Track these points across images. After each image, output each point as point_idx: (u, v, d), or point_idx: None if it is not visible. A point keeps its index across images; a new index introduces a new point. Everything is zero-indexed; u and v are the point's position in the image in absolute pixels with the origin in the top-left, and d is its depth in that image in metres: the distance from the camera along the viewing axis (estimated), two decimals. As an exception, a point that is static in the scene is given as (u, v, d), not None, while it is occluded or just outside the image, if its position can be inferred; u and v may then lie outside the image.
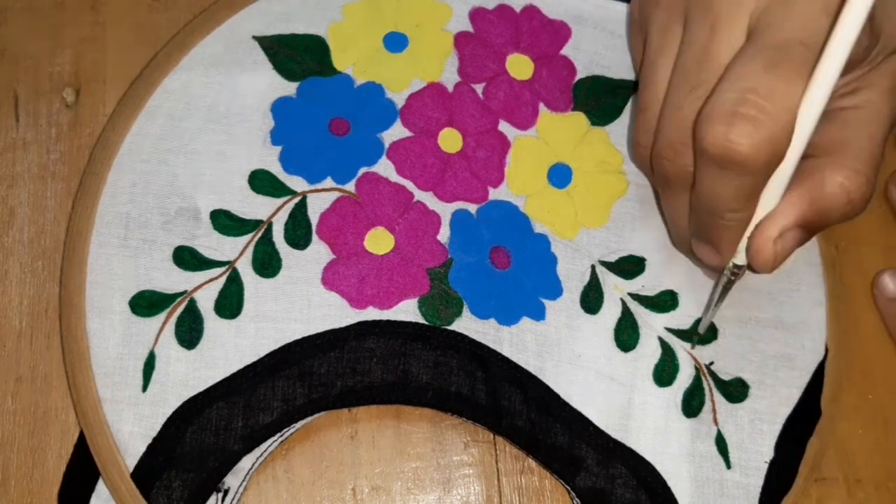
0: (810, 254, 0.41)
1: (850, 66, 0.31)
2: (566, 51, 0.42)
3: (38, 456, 0.37)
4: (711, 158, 0.31)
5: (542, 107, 0.41)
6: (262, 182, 0.38)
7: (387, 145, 0.39)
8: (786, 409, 0.38)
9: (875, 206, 0.43)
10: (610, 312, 0.39)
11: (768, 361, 0.39)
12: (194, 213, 0.38)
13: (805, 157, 0.32)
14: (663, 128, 0.34)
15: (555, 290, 0.39)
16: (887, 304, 0.41)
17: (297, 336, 0.37)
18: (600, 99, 0.42)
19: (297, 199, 0.38)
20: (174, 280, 0.37)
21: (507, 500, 0.37)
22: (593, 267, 0.39)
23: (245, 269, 0.37)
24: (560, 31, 0.42)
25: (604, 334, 0.38)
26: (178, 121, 0.39)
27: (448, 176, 0.39)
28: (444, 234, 0.38)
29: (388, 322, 0.37)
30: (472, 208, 0.39)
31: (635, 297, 0.39)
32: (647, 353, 0.38)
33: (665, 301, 0.39)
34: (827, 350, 0.40)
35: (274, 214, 0.38)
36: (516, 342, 0.37)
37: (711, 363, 0.39)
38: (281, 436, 0.36)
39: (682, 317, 0.39)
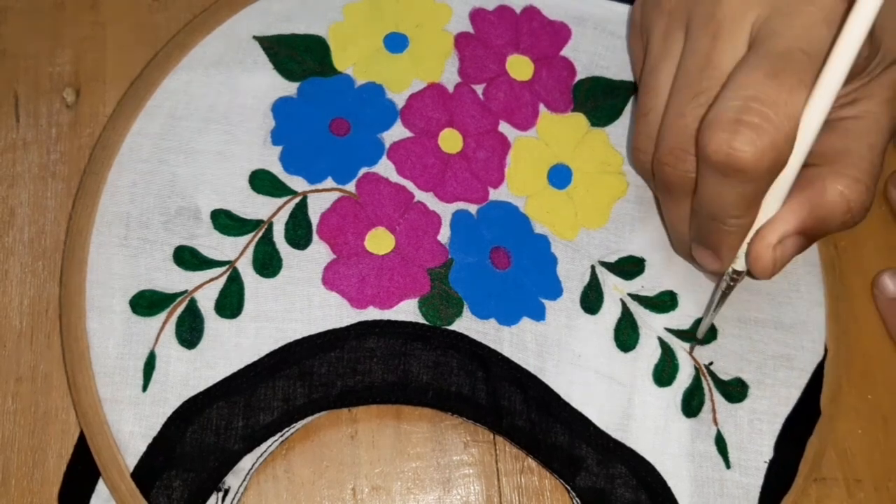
0: (810, 254, 0.41)
1: (850, 77, 0.31)
2: (566, 52, 0.42)
3: (38, 456, 0.37)
4: (714, 165, 0.31)
5: (542, 107, 0.41)
6: (262, 182, 0.38)
7: (387, 146, 0.39)
8: (785, 409, 0.38)
9: (875, 207, 0.43)
10: (610, 313, 0.39)
11: (768, 361, 0.39)
12: (195, 213, 0.38)
13: (806, 165, 0.32)
14: (665, 134, 0.34)
15: (555, 291, 0.39)
16: (887, 305, 0.41)
17: (298, 336, 0.37)
18: (600, 100, 0.42)
19: (297, 199, 0.38)
20: (174, 280, 0.37)
21: (507, 500, 0.37)
22: (593, 267, 0.39)
23: (245, 268, 0.37)
24: (560, 32, 0.42)
25: (604, 334, 0.38)
26: (179, 120, 0.39)
27: (448, 176, 0.39)
28: (444, 235, 0.38)
29: (389, 322, 0.37)
30: (473, 209, 0.39)
31: (635, 297, 0.39)
32: (647, 353, 0.38)
33: (665, 301, 0.39)
34: (826, 350, 0.40)
35: (274, 214, 0.38)
36: (516, 342, 0.37)
37: (711, 363, 0.39)
38: (281, 436, 0.36)
39: (681, 317, 0.39)
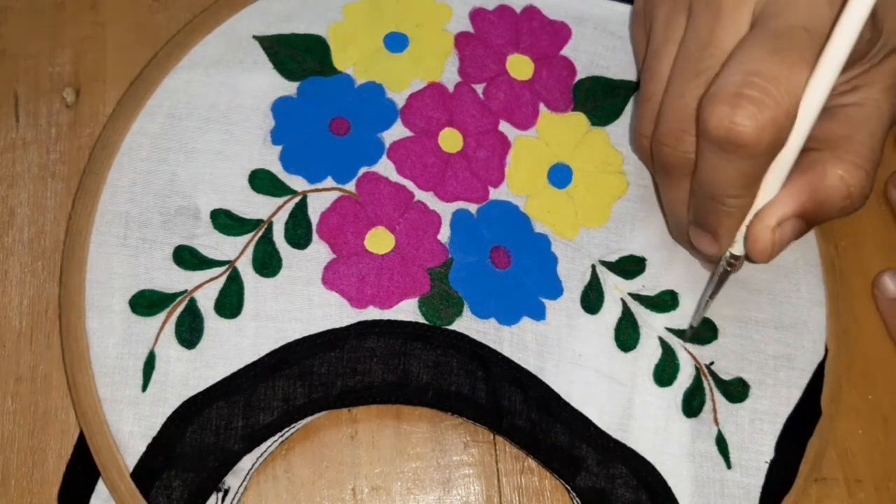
0: (810, 254, 0.41)
1: (852, 61, 0.31)
2: (566, 51, 0.42)
3: (38, 456, 0.36)
4: (715, 140, 0.31)
5: (542, 107, 0.41)
6: (262, 181, 0.38)
7: (387, 145, 0.39)
8: (786, 409, 0.38)
9: (875, 206, 0.43)
10: (610, 312, 0.39)
11: (768, 361, 0.39)
12: (194, 213, 0.38)
13: (807, 150, 0.32)
14: (665, 114, 0.34)
15: (555, 290, 0.39)
16: (888, 305, 0.41)
17: (298, 336, 0.36)
18: (600, 99, 0.42)
19: (297, 199, 0.38)
20: (174, 279, 0.37)
21: (507, 500, 0.37)
22: (593, 267, 0.39)
23: (245, 268, 0.37)
24: (560, 32, 0.42)
25: (604, 334, 0.38)
26: (179, 120, 0.39)
27: (448, 176, 0.39)
28: (444, 234, 0.38)
29: (389, 322, 0.37)
30: (473, 208, 0.39)
31: (635, 297, 0.39)
32: (648, 352, 0.38)
33: (665, 301, 0.39)
34: (827, 350, 0.40)
35: (274, 214, 0.38)
36: (517, 342, 0.37)
37: (712, 363, 0.39)
38: (281, 436, 0.36)
39: (682, 317, 0.39)
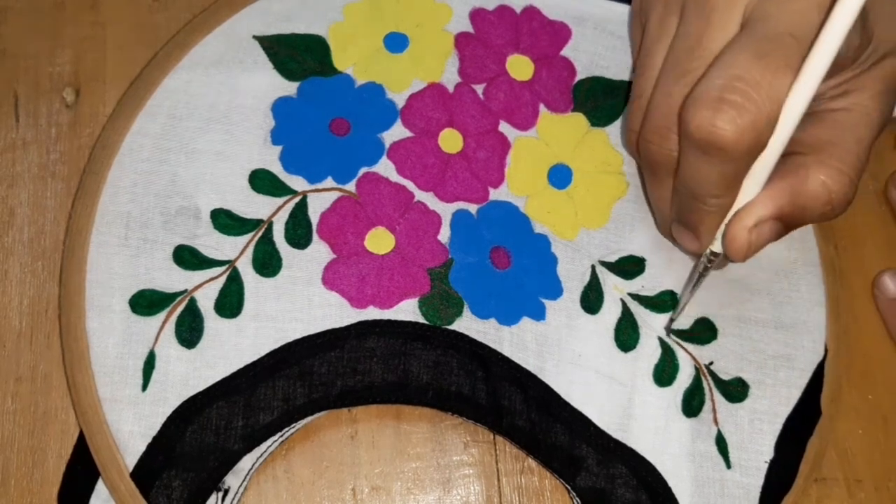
0: (810, 254, 0.41)
1: (841, 66, 0.31)
2: (566, 52, 0.42)
3: (38, 456, 0.36)
4: (696, 142, 0.31)
5: (542, 108, 0.41)
6: (262, 181, 0.38)
7: (387, 145, 0.39)
8: (786, 409, 0.38)
9: (875, 206, 0.43)
10: (610, 312, 0.39)
11: (768, 361, 0.39)
12: (195, 213, 0.38)
13: (792, 153, 0.33)
14: (651, 113, 0.35)
15: (555, 290, 0.39)
16: (888, 305, 0.41)
17: (298, 335, 0.36)
18: (600, 100, 0.42)
19: (297, 199, 0.38)
20: (174, 279, 0.37)
21: (507, 500, 0.37)
22: (593, 267, 0.39)
23: (245, 268, 0.37)
24: (560, 32, 0.43)
25: (604, 334, 0.38)
26: (179, 120, 0.39)
27: (448, 176, 0.39)
28: (444, 234, 0.38)
29: (389, 322, 0.37)
30: (473, 208, 0.39)
31: (635, 297, 0.39)
32: (647, 353, 0.38)
33: (665, 301, 0.39)
34: (826, 350, 0.40)
35: (274, 214, 0.38)
36: (516, 342, 0.37)
37: (711, 363, 0.39)
38: (281, 436, 0.36)
39: (682, 317, 0.39)
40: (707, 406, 0.38)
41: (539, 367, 0.37)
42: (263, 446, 0.36)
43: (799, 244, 0.41)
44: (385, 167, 0.39)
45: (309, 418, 0.36)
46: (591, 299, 0.39)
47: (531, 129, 0.41)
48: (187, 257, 0.37)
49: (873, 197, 0.43)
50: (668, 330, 0.39)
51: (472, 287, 0.38)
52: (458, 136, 0.40)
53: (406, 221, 0.38)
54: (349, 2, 0.41)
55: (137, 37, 0.42)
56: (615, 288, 0.39)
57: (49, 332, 0.38)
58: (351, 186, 0.39)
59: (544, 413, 0.37)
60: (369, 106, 0.40)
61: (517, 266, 0.39)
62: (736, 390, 0.38)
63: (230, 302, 0.37)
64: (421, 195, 0.39)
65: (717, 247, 0.35)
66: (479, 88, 0.41)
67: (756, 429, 0.38)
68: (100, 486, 0.35)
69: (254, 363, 0.36)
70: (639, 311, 0.39)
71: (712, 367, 0.39)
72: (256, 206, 0.38)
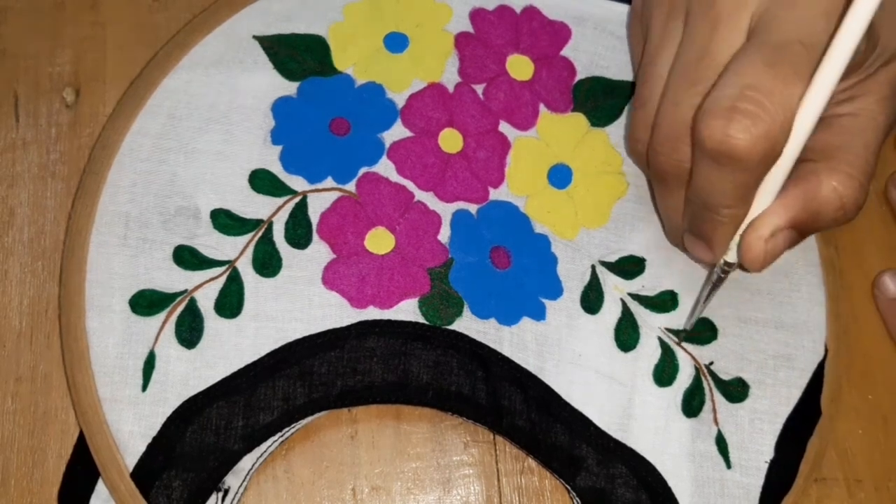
0: (810, 254, 0.41)
1: (848, 72, 0.31)
2: (566, 52, 0.42)
3: (38, 456, 0.36)
4: (709, 153, 0.31)
5: (542, 107, 0.41)
6: (262, 181, 0.38)
7: (387, 145, 0.39)
8: (786, 409, 0.38)
9: (875, 207, 0.43)
10: (610, 312, 0.39)
11: (768, 361, 0.39)
12: (194, 213, 0.38)
13: (801, 160, 0.32)
14: (660, 123, 0.34)
15: (555, 290, 0.39)
16: (888, 305, 0.41)
17: (298, 335, 0.36)
18: (600, 100, 0.42)
19: (297, 199, 0.38)
20: (174, 279, 0.37)
21: (507, 500, 0.37)
22: (593, 267, 0.39)
23: (245, 268, 0.37)
24: (560, 32, 0.43)
25: (604, 334, 0.38)
26: (179, 120, 0.39)
27: (448, 176, 0.39)
28: (444, 234, 0.38)
29: (389, 322, 0.37)
30: (473, 208, 0.39)
31: (635, 297, 0.39)
32: (647, 353, 0.38)
33: (665, 301, 0.39)
34: (827, 350, 0.40)
35: (274, 214, 0.38)
36: (516, 342, 0.37)
37: (711, 363, 0.39)
38: (281, 436, 0.36)
39: (682, 317, 0.39)
40: (707, 406, 0.38)
41: (539, 367, 0.37)
42: (263, 446, 0.36)
43: (799, 245, 0.41)
44: (385, 167, 0.39)
45: (309, 418, 0.36)
46: (592, 299, 0.39)
47: (531, 129, 0.41)
48: (187, 257, 0.37)
49: (873, 197, 0.43)
50: (681, 339, 0.39)
51: (472, 287, 0.38)
52: (458, 136, 0.40)
53: (406, 221, 0.38)
54: (349, 2, 0.41)
55: (137, 37, 0.42)
56: (615, 288, 0.39)
57: (49, 332, 0.38)
58: (351, 186, 0.39)
59: (544, 413, 0.37)
60: (369, 106, 0.40)
61: (517, 266, 0.39)
62: (736, 390, 0.38)
63: (230, 302, 0.37)
64: (421, 195, 0.39)
65: (731, 257, 0.35)
66: (479, 88, 0.41)
67: (756, 429, 0.38)
68: (100, 486, 0.35)
69: (254, 363, 0.36)
70: (639, 311, 0.39)
71: (712, 367, 0.39)
72: (256, 206, 0.38)
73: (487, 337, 0.37)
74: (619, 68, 0.42)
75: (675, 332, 0.39)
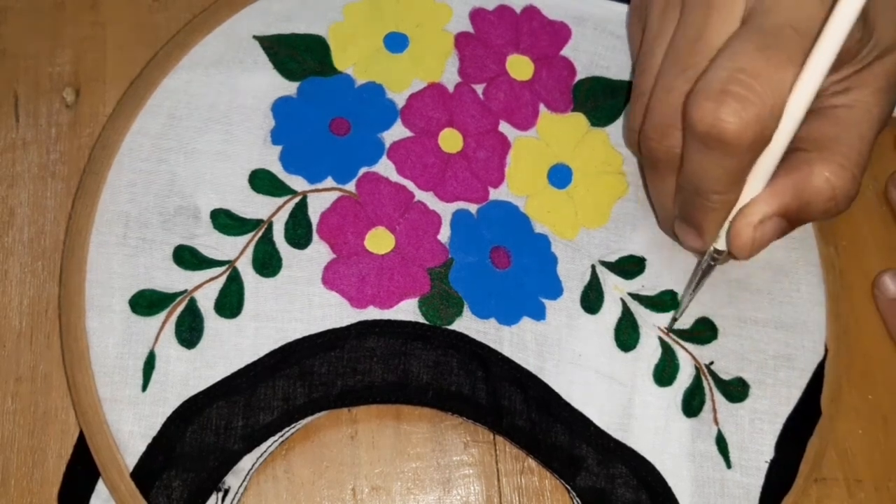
0: (810, 254, 0.41)
1: (842, 60, 0.31)
2: (566, 51, 0.42)
3: (38, 456, 0.36)
4: (699, 136, 0.31)
5: (542, 107, 0.41)
6: (262, 181, 0.38)
7: (387, 145, 0.39)
8: (786, 409, 0.38)
9: (875, 207, 0.43)
10: (610, 312, 0.39)
11: (768, 361, 0.39)
12: (194, 213, 0.38)
13: (795, 150, 0.33)
14: (653, 109, 0.34)
15: (555, 290, 0.39)
16: (888, 305, 0.41)
17: (298, 335, 0.36)
18: (600, 100, 0.42)
19: (297, 199, 0.38)
20: (174, 279, 0.37)
21: (507, 500, 0.37)
22: (593, 267, 0.39)
23: (245, 268, 0.37)
24: (560, 32, 0.43)
25: (604, 334, 0.38)
26: (179, 120, 0.39)
27: (448, 176, 0.39)
28: (444, 234, 0.38)
29: (389, 322, 0.37)
30: (473, 208, 0.39)
31: (635, 296, 0.39)
32: (648, 352, 0.38)
33: (665, 301, 0.39)
34: (827, 350, 0.40)
35: (274, 214, 0.38)
36: (516, 342, 0.37)
37: (711, 363, 0.39)
38: (281, 436, 0.36)
39: (682, 316, 0.39)
40: (707, 406, 0.38)
41: (539, 366, 0.37)
42: (263, 446, 0.36)
43: (799, 244, 0.41)
44: (385, 167, 0.39)
45: (309, 418, 0.36)
46: (592, 299, 0.39)
47: (531, 129, 0.41)
48: (187, 257, 0.37)
49: (873, 197, 0.43)
50: (670, 328, 0.39)
51: (472, 287, 0.38)
52: (458, 136, 0.40)
53: (406, 221, 0.38)
54: (349, 2, 0.41)
55: (137, 37, 0.42)
56: (615, 288, 0.39)
57: (49, 332, 0.38)
58: (351, 186, 0.39)
59: (544, 413, 0.37)
60: (369, 106, 0.40)
61: (517, 266, 0.39)
62: (736, 390, 0.38)
63: (230, 302, 0.37)
64: (421, 195, 0.39)
65: (720, 244, 0.35)
66: (479, 88, 0.41)
67: (756, 429, 0.38)
68: (100, 486, 0.35)
69: (254, 363, 0.36)
70: (639, 311, 0.39)
71: (713, 367, 0.39)
72: (256, 206, 0.38)
73: (487, 337, 0.37)
74: (619, 68, 0.42)
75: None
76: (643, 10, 0.38)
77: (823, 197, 0.33)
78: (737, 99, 0.30)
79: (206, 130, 0.39)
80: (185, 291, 0.37)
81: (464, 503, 0.37)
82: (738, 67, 0.30)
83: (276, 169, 0.38)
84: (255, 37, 0.40)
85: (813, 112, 0.32)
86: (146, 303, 0.36)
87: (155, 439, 0.35)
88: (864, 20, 0.31)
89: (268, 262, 0.37)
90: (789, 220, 0.34)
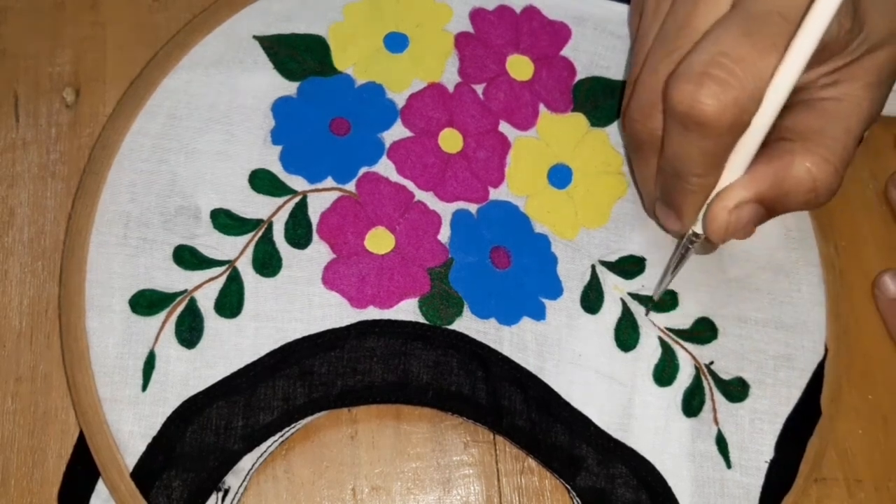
0: (810, 254, 0.41)
1: (832, 52, 0.31)
2: (566, 52, 0.42)
3: (38, 456, 0.36)
4: (678, 117, 0.31)
5: (542, 107, 0.41)
6: (262, 181, 0.38)
7: (387, 145, 0.39)
8: (786, 409, 0.38)
9: (875, 206, 0.43)
10: (610, 312, 0.39)
11: (768, 361, 0.39)
12: (194, 213, 0.38)
13: (780, 139, 0.33)
14: (637, 91, 0.35)
15: (555, 290, 0.39)
16: (888, 305, 0.41)
17: (298, 335, 0.36)
18: (600, 100, 0.42)
19: (297, 199, 0.38)
20: (174, 279, 0.37)
21: (507, 500, 0.37)
22: (593, 267, 0.39)
23: (245, 268, 0.37)
24: (560, 32, 0.43)
25: (604, 334, 0.38)
26: (179, 120, 0.39)
27: (448, 176, 0.39)
28: (444, 234, 0.38)
29: (389, 321, 0.37)
30: (473, 208, 0.39)
31: (635, 296, 0.39)
32: (648, 352, 0.38)
33: (665, 301, 0.39)
34: (827, 350, 0.40)
35: (274, 214, 0.38)
36: (516, 342, 0.37)
37: (711, 363, 0.39)
38: (281, 436, 0.36)
39: (682, 317, 0.39)
40: (707, 406, 0.38)
41: (539, 366, 0.37)
42: (263, 446, 0.36)
43: (799, 244, 0.41)
44: (385, 167, 0.39)
45: (309, 418, 0.36)
46: (592, 299, 0.39)
47: (531, 129, 0.41)
48: (187, 257, 0.37)
49: (873, 197, 0.43)
50: (648, 310, 0.39)
51: (472, 287, 0.38)
52: (458, 136, 0.40)
53: (406, 221, 0.38)
54: (349, 2, 0.41)
55: (137, 37, 0.42)
56: (615, 288, 0.39)
57: (49, 332, 0.38)
58: (351, 186, 0.39)
59: (544, 413, 0.37)
60: (369, 106, 0.40)
61: (517, 266, 0.39)
62: (736, 390, 0.38)
63: (230, 302, 0.37)
64: (421, 195, 0.39)
65: (699, 227, 0.35)
66: (479, 88, 0.41)
67: (756, 428, 0.38)
68: (100, 486, 0.35)
69: (254, 363, 0.36)
70: (639, 311, 0.39)
71: (712, 367, 0.39)
72: (256, 206, 0.38)
73: (487, 337, 0.37)
74: (619, 68, 0.42)
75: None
76: (641, 3, 0.38)
77: (803, 188, 0.33)
78: (716, 81, 0.30)
79: (206, 130, 0.39)
80: (185, 291, 0.37)
81: (464, 503, 0.37)
82: (720, 51, 0.30)
83: (277, 169, 0.39)
84: (255, 37, 0.40)
85: (800, 103, 0.32)
86: (146, 303, 0.36)
87: (155, 439, 0.35)
88: (855, 12, 0.31)
89: (268, 262, 0.37)
90: (767, 208, 0.34)
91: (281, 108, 0.39)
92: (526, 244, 0.39)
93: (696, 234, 0.36)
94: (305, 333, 0.37)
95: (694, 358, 0.39)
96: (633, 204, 0.40)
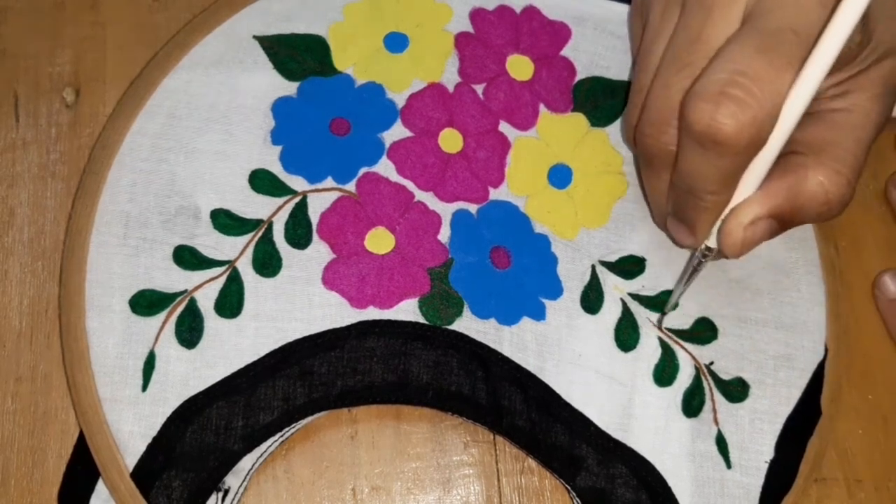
0: (810, 254, 0.41)
1: (841, 63, 0.31)
2: (566, 52, 0.42)
3: (38, 456, 0.36)
4: (695, 136, 0.31)
5: (542, 108, 0.41)
6: (262, 181, 0.38)
7: (387, 145, 0.39)
8: (786, 409, 0.38)
9: (875, 206, 0.43)
10: (610, 312, 0.39)
11: (768, 361, 0.39)
12: (194, 213, 0.38)
13: (791, 153, 0.33)
14: (650, 105, 0.34)
15: (555, 290, 0.39)
16: (888, 305, 0.41)
17: (298, 335, 0.36)
18: (600, 100, 0.42)
19: (297, 199, 0.38)
20: (174, 279, 0.37)
21: (507, 500, 0.37)
22: (593, 267, 0.39)
23: (245, 268, 0.37)
24: (560, 32, 0.42)
25: (604, 334, 0.38)
26: (179, 120, 0.39)
27: (448, 176, 0.39)
28: (444, 234, 0.38)
29: (389, 322, 0.37)
30: (473, 208, 0.39)
31: (635, 297, 0.39)
32: (648, 352, 0.38)
33: (665, 301, 0.39)
34: (827, 350, 0.40)
35: (274, 214, 0.38)
36: (516, 342, 0.37)
37: (711, 363, 0.39)
38: (281, 436, 0.36)
39: (682, 317, 0.39)
40: (707, 406, 0.38)
41: (539, 367, 0.37)
42: (263, 446, 0.36)
43: (799, 244, 0.41)
44: (385, 167, 0.39)
45: (309, 418, 0.36)
46: (592, 299, 0.39)
47: (531, 129, 0.41)
48: (187, 257, 0.37)
49: (873, 197, 0.43)
50: (660, 324, 0.39)
51: (472, 287, 0.38)
52: (458, 136, 0.40)
53: (406, 221, 0.38)
54: (349, 2, 0.41)
55: (137, 37, 0.42)
56: (615, 288, 0.39)
57: (49, 332, 0.38)
58: (351, 186, 0.39)
59: (544, 413, 0.37)
60: (369, 106, 0.40)
61: (517, 266, 0.39)
62: (736, 390, 0.38)
63: (230, 302, 0.37)
64: (421, 195, 0.39)
65: (712, 242, 0.35)
66: (479, 88, 0.41)
67: (756, 429, 0.38)
68: (100, 486, 0.35)
69: (254, 363, 0.36)
70: (639, 311, 0.39)
71: (712, 367, 0.39)
72: (256, 206, 0.38)
73: (487, 337, 0.37)
74: (619, 68, 0.42)
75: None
76: (644, 9, 0.38)
77: (817, 201, 0.33)
78: (734, 101, 0.30)
79: (206, 130, 0.39)
80: (185, 291, 0.37)
81: (464, 503, 0.37)
82: (737, 70, 0.30)
83: (276, 169, 0.39)
84: (255, 37, 0.40)
85: (810, 115, 0.32)
86: (146, 303, 0.36)
87: (155, 439, 0.35)
88: (864, 23, 0.31)
89: (268, 262, 0.37)
90: (781, 223, 0.34)
91: (281, 108, 0.39)
92: (526, 244, 0.39)
93: (708, 248, 0.36)
94: (305, 333, 0.37)
95: (694, 358, 0.39)
96: (633, 204, 0.40)
